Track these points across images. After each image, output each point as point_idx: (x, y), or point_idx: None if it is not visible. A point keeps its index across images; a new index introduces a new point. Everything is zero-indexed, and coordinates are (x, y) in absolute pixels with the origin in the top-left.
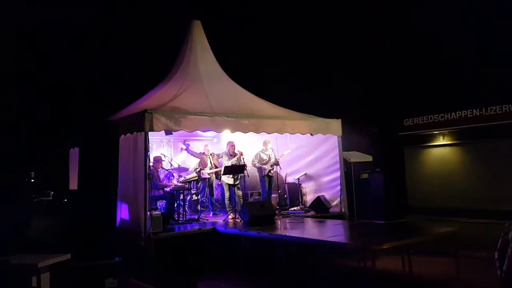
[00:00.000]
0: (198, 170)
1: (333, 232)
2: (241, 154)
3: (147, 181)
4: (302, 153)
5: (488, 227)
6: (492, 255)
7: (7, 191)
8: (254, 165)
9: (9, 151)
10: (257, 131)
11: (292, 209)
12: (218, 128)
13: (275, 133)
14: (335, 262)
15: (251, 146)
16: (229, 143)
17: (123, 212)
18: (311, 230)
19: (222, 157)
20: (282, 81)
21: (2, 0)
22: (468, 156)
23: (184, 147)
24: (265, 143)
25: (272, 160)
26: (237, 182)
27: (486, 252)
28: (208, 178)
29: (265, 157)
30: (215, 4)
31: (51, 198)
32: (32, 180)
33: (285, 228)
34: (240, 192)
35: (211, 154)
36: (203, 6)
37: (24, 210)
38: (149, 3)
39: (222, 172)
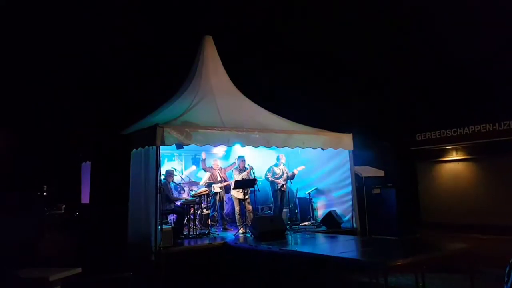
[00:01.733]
0: (208, 184)
1: (344, 248)
2: (251, 168)
3: (158, 195)
4: (313, 167)
5: (503, 243)
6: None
7: (19, 205)
8: (267, 179)
9: (22, 165)
10: (267, 145)
11: (303, 224)
12: (229, 142)
13: (286, 147)
14: (346, 278)
15: (263, 160)
16: (239, 157)
17: (134, 226)
18: (322, 245)
19: (232, 171)
20: (293, 95)
21: None
22: (482, 171)
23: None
24: (279, 158)
25: (285, 175)
26: (247, 197)
27: (501, 268)
28: (219, 192)
29: (278, 171)
30: (227, 19)
31: (63, 212)
32: (45, 194)
33: (296, 243)
34: (250, 207)
35: (219, 169)
36: (215, 21)
37: (36, 223)
38: (162, 18)
39: (232, 187)
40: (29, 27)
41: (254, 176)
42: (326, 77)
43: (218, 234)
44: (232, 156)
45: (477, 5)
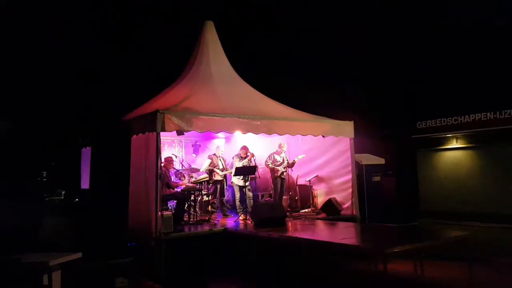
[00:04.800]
0: (209, 171)
1: (344, 234)
2: (253, 155)
3: (159, 181)
4: (313, 155)
5: (501, 231)
6: (506, 260)
7: (19, 190)
8: (267, 166)
9: (22, 151)
10: (268, 132)
11: (303, 211)
12: (229, 129)
13: (287, 135)
14: (345, 265)
15: (264, 147)
16: (242, 147)
17: (134, 212)
18: (322, 232)
19: (233, 158)
20: (294, 82)
21: None
22: (482, 160)
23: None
24: (280, 145)
25: (285, 163)
26: (248, 184)
27: (499, 256)
28: (220, 180)
29: (279, 158)
30: (228, 4)
31: (62, 198)
32: (44, 179)
33: (295, 230)
34: (250, 194)
35: (222, 158)
36: (216, 6)
37: (36, 209)
38: (163, 3)
39: (233, 174)
40: (25, 12)
41: (255, 163)
42: (327, 64)
43: (218, 221)
44: (233, 142)
45: None
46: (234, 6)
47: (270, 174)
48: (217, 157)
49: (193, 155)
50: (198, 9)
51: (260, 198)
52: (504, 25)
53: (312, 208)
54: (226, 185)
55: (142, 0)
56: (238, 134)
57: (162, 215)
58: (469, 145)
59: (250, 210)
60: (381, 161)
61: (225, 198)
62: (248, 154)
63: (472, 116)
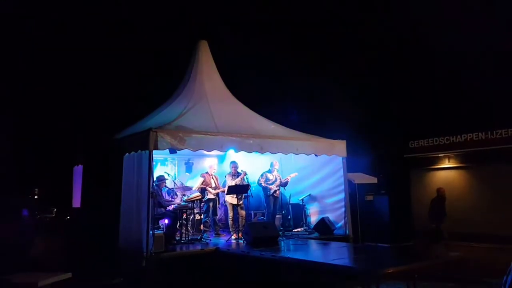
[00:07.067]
0: (201, 189)
1: (337, 254)
2: (245, 174)
3: (151, 199)
4: (306, 174)
5: (495, 251)
6: (500, 281)
7: (10, 208)
8: (259, 185)
9: (13, 168)
10: (261, 151)
11: (296, 230)
12: (222, 148)
13: (280, 153)
14: (339, 285)
15: (257, 166)
16: (231, 163)
17: (125, 231)
18: (315, 252)
19: (225, 176)
20: (287, 101)
21: None
22: (474, 180)
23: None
24: (272, 164)
25: (278, 181)
26: (241, 202)
27: (492, 277)
28: (213, 198)
29: (271, 177)
30: (222, 24)
31: (54, 216)
32: (36, 197)
33: (288, 249)
34: (243, 212)
35: (215, 176)
36: (209, 25)
37: (27, 227)
38: (158, 21)
39: (226, 192)
40: (24, 30)
41: (248, 182)
42: (320, 83)
43: (210, 240)
44: (226, 161)
45: (471, 17)
46: (227, 25)
47: (263, 193)
48: (209, 175)
49: (186, 173)
50: (192, 27)
51: (253, 217)
52: (495, 46)
53: (305, 228)
54: (219, 204)
55: (135, 17)
56: (231, 152)
57: (153, 234)
58: (461, 164)
59: (243, 229)
60: (374, 180)
61: (217, 217)
62: (240, 171)
63: (464, 136)
